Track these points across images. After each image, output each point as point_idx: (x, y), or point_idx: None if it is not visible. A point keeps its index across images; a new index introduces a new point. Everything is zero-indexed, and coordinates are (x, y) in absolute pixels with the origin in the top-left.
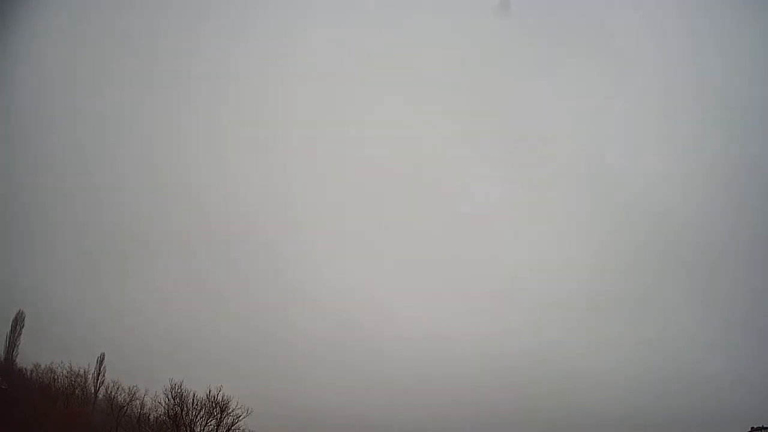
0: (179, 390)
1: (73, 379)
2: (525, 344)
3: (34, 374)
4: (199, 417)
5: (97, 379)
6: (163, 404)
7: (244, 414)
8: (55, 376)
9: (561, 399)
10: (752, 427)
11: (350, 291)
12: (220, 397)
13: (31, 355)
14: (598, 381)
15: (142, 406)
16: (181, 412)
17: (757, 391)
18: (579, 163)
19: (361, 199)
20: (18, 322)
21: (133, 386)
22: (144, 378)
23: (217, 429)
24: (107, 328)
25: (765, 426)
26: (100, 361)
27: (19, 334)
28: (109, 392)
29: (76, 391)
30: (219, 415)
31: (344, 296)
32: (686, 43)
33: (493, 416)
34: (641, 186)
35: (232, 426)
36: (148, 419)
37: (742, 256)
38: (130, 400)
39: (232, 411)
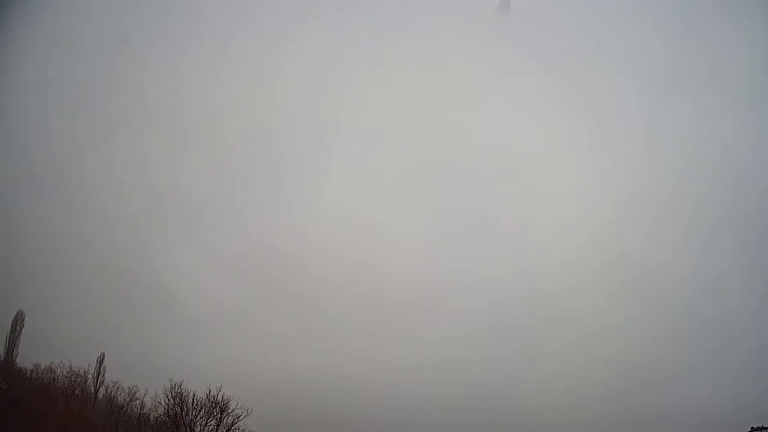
0: (179, 390)
1: (73, 379)
2: None
3: (34, 374)
4: (199, 417)
5: (97, 379)
6: (163, 404)
7: (244, 414)
8: (55, 376)
9: (559, 399)
10: (752, 427)
11: (350, 293)
12: (220, 397)
13: (31, 355)
14: (598, 381)
15: (142, 406)
16: (181, 412)
17: (757, 391)
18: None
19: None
20: (18, 322)
21: (133, 386)
22: (144, 378)
23: (217, 429)
24: (107, 328)
25: (765, 426)
26: (100, 361)
27: (19, 334)
28: (109, 392)
29: (76, 391)
30: (219, 415)
31: (344, 296)
32: (686, 46)
33: None
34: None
35: (232, 426)
36: (148, 419)
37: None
38: (130, 400)
39: (232, 411)
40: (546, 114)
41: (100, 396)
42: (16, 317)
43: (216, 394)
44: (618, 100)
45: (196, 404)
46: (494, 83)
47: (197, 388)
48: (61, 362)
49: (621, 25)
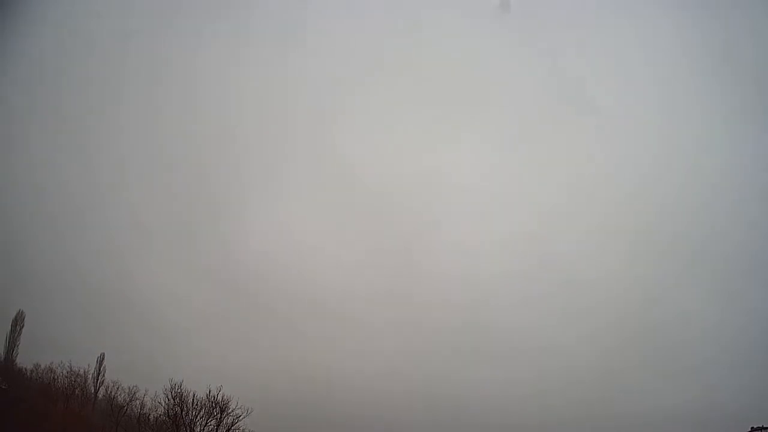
0: (179, 390)
1: (73, 379)
2: None
3: (34, 374)
4: (199, 417)
5: (97, 379)
6: (163, 404)
7: (244, 414)
8: (55, 376)
9: (561, 398)
10: (752, 427)
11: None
12: (220, 397)
13: (31, 355)
14: (595, 379)
15: (142, 406)
16: (181, 412)
17: (757, 391)
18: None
19: (364, 200)
20: (18, 322)
21: (133, 386)
22: (144, 378)
23: (217, 429)
24: (107, 328)
25: (765, 426)
26: (100, 361)
27: (19, 334)
28: (109, 392)
29: (76, 391)
30: (219, 415)
31: (346, 298)
32: (681, 43)
33: None
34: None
35: (232, 426)
36: (148, 419)
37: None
38: (130, 400)
39: (232, 411)
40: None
41: (100, 396)
42: (16, 317)
43: (216, 394)
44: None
45: (196, 404)
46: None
47: (197, 388)
48: (61, 362)
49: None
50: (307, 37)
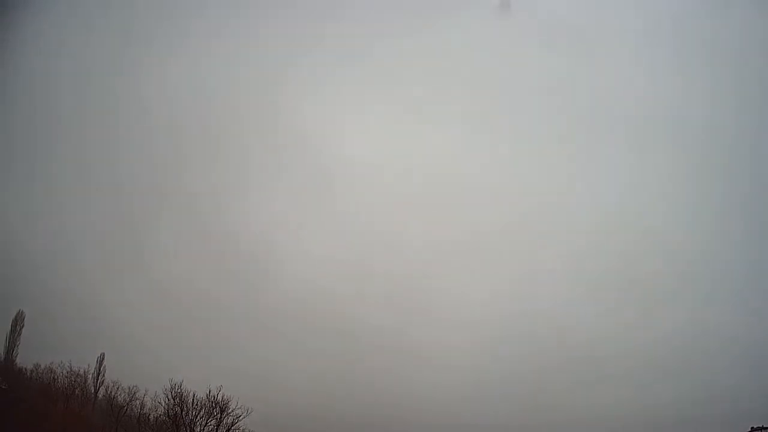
0: (179, 390)
1: (73, 379)
2: None
3: (34, 374)
4: (199, 417)
5: (97, 379)
6: (163, 404)
7: (244, 414)
8: (55, 376)
9: (560, 398)
10: (752, 427)
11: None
12: (220, 397)
13: (31, 355)
14: (594, 381)
15: (142, 406)
16: (181, 412)
17: (757, 391)
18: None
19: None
20: (18, 322)
21: (133, 386)
22: (144, 378)
23: (217, 429)
24: (107, 328)
25: (765, 426)
26: (100, 361)
27: (19, 334)
28: (109, 392)
29: (76, 391)
30: (219, 415)
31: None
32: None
33: None
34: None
35: (232, 426)
36: (148, 419)
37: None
38: (130, 400)
39: (232, 411)
40: None
41: (100, 396)
42: (16, 317)
43: (216, 394)
44: None
45: (196, 404)
46: None
47: (197, 388)
48: (61, 362)
49: None
50: (306, 32)
